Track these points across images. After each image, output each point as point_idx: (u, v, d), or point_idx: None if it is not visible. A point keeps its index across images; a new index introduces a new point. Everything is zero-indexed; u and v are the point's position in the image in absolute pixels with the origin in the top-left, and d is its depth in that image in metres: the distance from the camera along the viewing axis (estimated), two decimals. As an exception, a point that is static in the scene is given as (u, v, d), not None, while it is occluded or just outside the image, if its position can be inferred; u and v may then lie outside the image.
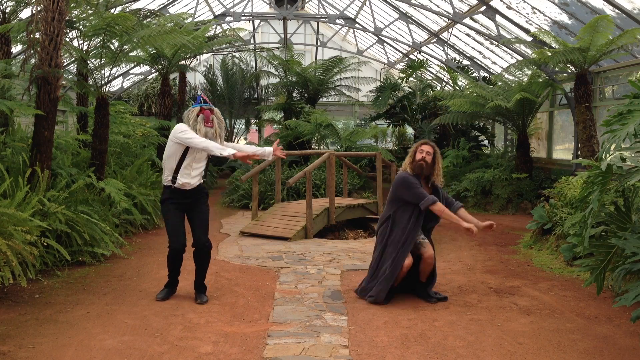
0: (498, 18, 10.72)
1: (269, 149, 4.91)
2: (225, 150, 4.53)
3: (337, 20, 15.96)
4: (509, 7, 10.58)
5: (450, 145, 13.29)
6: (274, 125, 17.84)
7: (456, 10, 11.39)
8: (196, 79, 18.97)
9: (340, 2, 16.91)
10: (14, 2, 7.11)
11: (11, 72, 6.53)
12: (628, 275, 4.19)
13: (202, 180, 4.81)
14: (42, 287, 5.08)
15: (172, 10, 12.89)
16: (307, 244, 7.46)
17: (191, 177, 4.69)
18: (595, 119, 9.17)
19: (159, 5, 12.53)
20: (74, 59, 8.52)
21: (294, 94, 16.24)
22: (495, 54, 13.24)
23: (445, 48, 13.95)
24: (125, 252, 6.55)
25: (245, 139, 19.11)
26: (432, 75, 16.65)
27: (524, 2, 10.10)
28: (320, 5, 16.90)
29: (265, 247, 7.20)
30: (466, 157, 12.54)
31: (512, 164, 11.35)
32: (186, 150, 4.63)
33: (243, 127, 19.14)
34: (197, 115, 4.64)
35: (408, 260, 4.79)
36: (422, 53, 14.86)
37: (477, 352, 3.73)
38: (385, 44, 17.18)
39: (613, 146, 3.64)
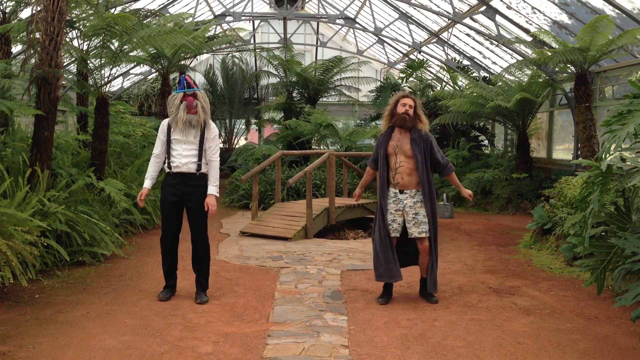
0: (498, 18, 10.72)
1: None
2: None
3: (337, 20, 15.96)
4: (509, 7, 10.58)
5: (450, 145, 13.30)
6: (274, 125, 17.83)
7: (456, 10, 11.39)
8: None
9: (340, 2, 16.91)
10: (14, 2, 7.11)
11: (11, 72, 6.53)
12: (628, 275, 4.18)
13: (200, 169, 4.69)
14: (42, 287, 5.08)
15: (172, 10, 12.89)
16: (307, 244, 7.46)
17: (182, 156, 4.64)
18: (595, 119, 9.17)
19: (159, 5, 12.53)
20: (74, 59, 8.52)
21: (294, 94, 16.23)
22: (495, 54, 13.24)
23: (445, 48, 13.95)
24: (125, 252, 6.55)
25: (245, 139, 19.11)
26: (432, 75, 16.65)
27: (524, 2, 10.10)
28: (320, 5, 16.90)
29: (265, 247, 7.20)
30: (466, 157, 12.54)
31: (512, 164, 11.35)
32: (169, 134, 4.66)
33: (243, 127, 19.14)
34: (180, 102, 4.58)
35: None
36: (422, 53, 14.86)
37: (477, 352, 3.73)
38: (385, 44, 17.17)
39: (613, 146, 3.64)
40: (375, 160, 4.99)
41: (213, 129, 4.76)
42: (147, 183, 4.88)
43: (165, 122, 4.76)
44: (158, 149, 4.79)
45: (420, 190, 4.79)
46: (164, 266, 4.89)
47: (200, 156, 4.67)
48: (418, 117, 4.84)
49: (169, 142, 4.69)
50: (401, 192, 4.77)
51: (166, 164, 4.73)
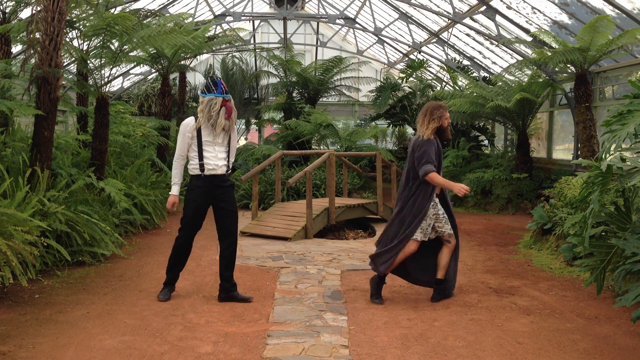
0: (498, 18, 10.72)
1: None
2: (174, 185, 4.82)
3: (337, 20, 15.96)
4: (509, 7, 10.58)
5: (450, 145, 13.31)
6: (274, 125, 17.85)
7: (456, 10, 11.39)
8: (196, 79, 18.99)
9: (340, 2, 16.91)
10: (14, 2, 7.11)
11: (11, 72, 6.53)
12: (628, 275, 4.19)
13: (229, 170, 4.79)
14: (42, 287, 5.08)
15: (172, 10, 12.89)
16: (307, 244, 7.46)
17: (217, 159, 4.68)
18: (595, 119, 9.17)
19: (159, 5, 12.53)
20: (74, 59, 8.52)
21: (294, 94, 16.24)
22: (495, 54, 13.24)
23: (445, 48, 13.95)
24: (125, 252, 6.55)
25: (245, 139, 19.12)
26: (432, 75, 16.65)
27: (524, 2, 10.10)
28: (320, 5, 16.90)
29: (265, 247, 7.20)
30: (466, 157, 12.54)
31: (512, 164, 11.35)
32: (200, 136, 4.66)
33: (243, 127, 19.15)
34: (220, 108, 4.63)
35: (414, 245, 4.83)
36: (422, 53, 14.86)
37: (477, 352, 3.73)
38: (385, 44, 17.17)
39: (613, 146, 3.64)
40: (433, 163, 4.81)
41: (236, 132, 4.91)
42: (176, 189, 4.84)
43: (190, 122, 4.71)
44: (183, 149, 4.75)
45: None
46: (173, 266, 4.88)
47: (229, 158, 4.79)
48: None
49: (200, 144, 4.67)
50: (436, 196, 4.90)
51: (196, 167, 4.70)
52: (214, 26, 14.52)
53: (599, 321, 4.36)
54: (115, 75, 11.02)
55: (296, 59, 16.26)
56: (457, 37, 13.77)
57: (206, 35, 12.47)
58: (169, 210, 4.88)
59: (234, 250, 4.87)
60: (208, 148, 4.68)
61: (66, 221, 5.77)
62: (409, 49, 16.26)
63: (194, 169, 4.71)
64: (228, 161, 4.78)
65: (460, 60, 14.62)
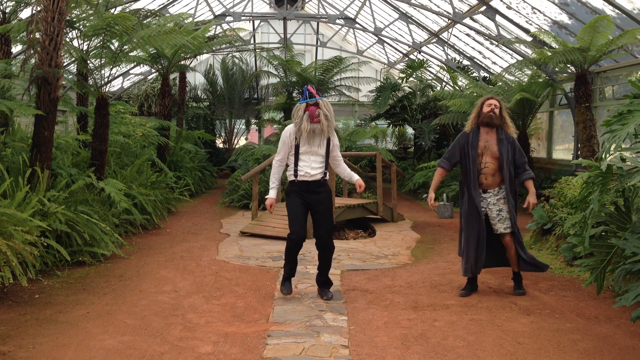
0: (498, 18, 10.72)
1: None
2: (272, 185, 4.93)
3: (337, 20, 15.96)
4: (509, 7, 10.58)
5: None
6: (274, 125, 17.85)
7: (456, 10, 11.39)
8: (196, 79, 19.01)
9: (340, 2, 16.91)
10: (14, 2, 7.12)
11: (11, 72, 6.54)
12: (628, 275, 4.19)
13: (324, 177, 4.86)
14: (42, 287, 5.08)
15: (172, 10, 12.89)
16: (307, 244, 7.44)
17: (311, 167, 4.78)
18: (595, 119, 9.16)
19: (159, 5, 12.54)
20: (74, 59, 8.53)
21: (294, 94, 16.25)
22: (495, 54, 13.24)
23: (445, 48, 13.95)
24: (125, 252, 6.54)
25: (246, 139, 19.12)
26: (432, 75, 16.65)
27: (524, 2, 10.10)
28: (320, 5, 16.90)
29: (265, 247, 7.19)
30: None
31: (512, 164, 11.33)
32: (298, 144, 4.78)
33: (243, 127, 19.15)
34: (304, 113, 4.71)
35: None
36: (422, 53, 14.86)
37: (477, 352, 3.73)
38: (385, 44, 17.18)
39: (613, 146, 3.65)
40: (450, 160, 5.04)
41: (336, 138, 4.94)
42: (273, 193, 4.93)
43: (290, 129, 4.83)
44: (281, 154, 4.87)
45: (503, 187, 4.99)
46: (287, 267, 4.96)
47: (326, 166, 4.87)
48: (504, 119, 4.99)
49: (297, 151, 4.80)
50: (484, 191, 4.97)
51: (292, 172, 4.84)
52: (214, 26, 14.53)
53: (599, 321, 4.35)
54: (115, 75, 11.04)
55: (296, 59, 16.27)
56: (457, 37, 13.77)
57: (206, 35, 12.48)
58: (269, 210, 4.93)
59: (329, 257, 4.98)
60: (303, 157, 4.80)
61: (66, 221, 5.77)
62: (409, 49, 16.26)
63: (289, 174, 4.89)
64: (325, 168, 4.84)
65: (460, 60, 14.62)
